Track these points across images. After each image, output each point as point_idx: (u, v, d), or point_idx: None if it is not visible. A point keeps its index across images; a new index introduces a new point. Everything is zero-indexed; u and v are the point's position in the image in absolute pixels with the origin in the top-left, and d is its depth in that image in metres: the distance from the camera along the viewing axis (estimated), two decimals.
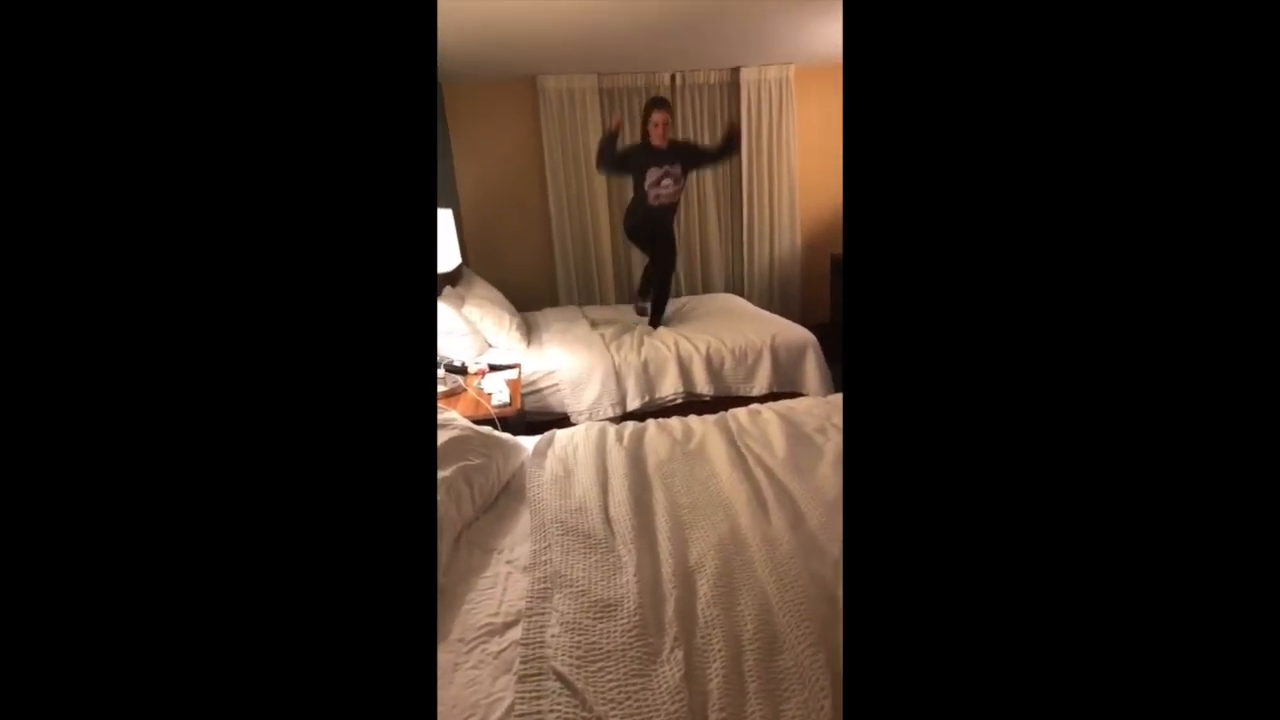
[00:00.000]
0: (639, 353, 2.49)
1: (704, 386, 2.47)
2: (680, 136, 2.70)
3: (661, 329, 2.79)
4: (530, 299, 3.61)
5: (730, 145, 2.87)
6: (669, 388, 2.45)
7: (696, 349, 2.51)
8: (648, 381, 2.45)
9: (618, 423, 1.77)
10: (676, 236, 3.04)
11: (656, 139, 2.63)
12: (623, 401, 2.42)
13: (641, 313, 2.97)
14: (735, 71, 3.55)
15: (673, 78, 3.53)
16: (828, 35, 2.97)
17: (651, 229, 2.80)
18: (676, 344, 2.54)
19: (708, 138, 3.65)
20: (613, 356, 2.47)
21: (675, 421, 1.77)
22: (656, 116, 2.61)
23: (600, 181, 3.55)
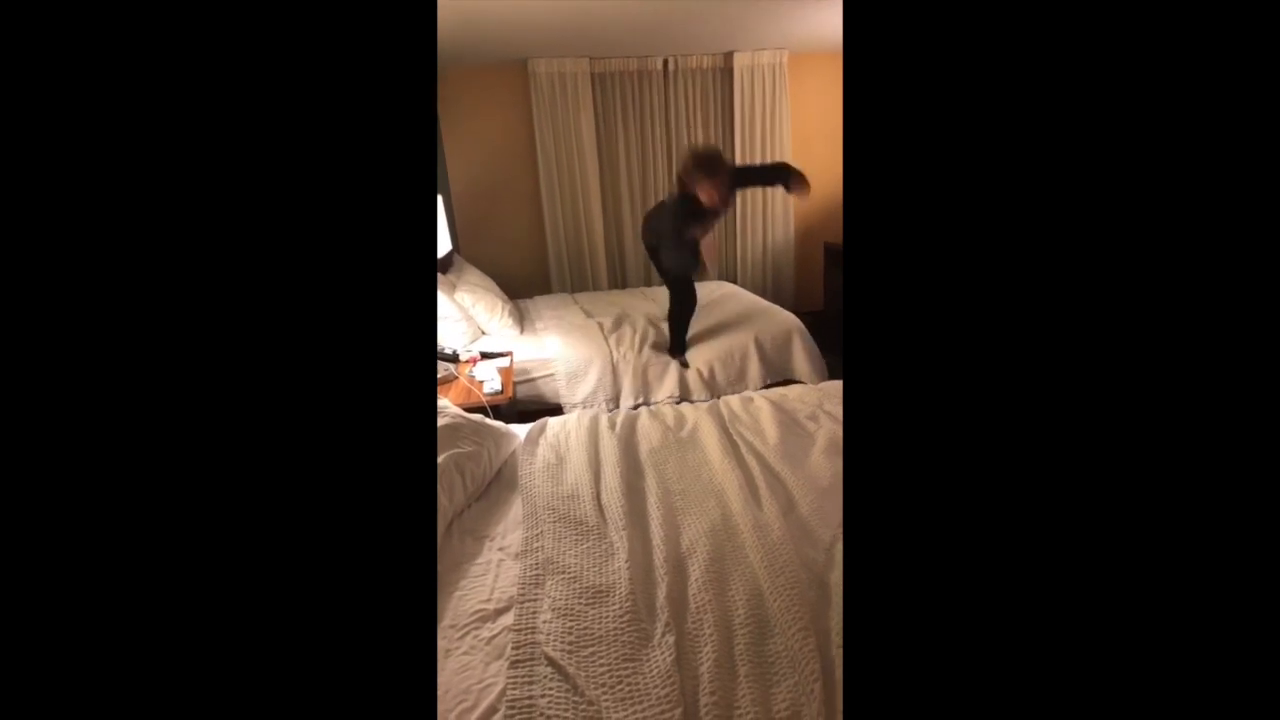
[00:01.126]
0: (639, 351, 2.47)
1: (700, 393, 2.45)
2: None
3: (660, 321, 2.73)
4: (522, 286, 3.59)
5: (782, 177, 2.27)
6: (664, 393, 2.44)
7: (693, 339, 2.49)
8: (645, 384, 2.43)
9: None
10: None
11: (709, 202, 2.16)
12: (617, 397, 2.41)
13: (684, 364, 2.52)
14: (729, 56, 3.52)
15: (665, 62, 3.49)
16: (821, 21, 2.94)
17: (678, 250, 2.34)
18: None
19: (700, 122, 3.62)
20: (611, 350, 2.45)
21: (667, 408, 1.77)
22: (707, 185, 2.08)
23: (593, 166, 3.52)
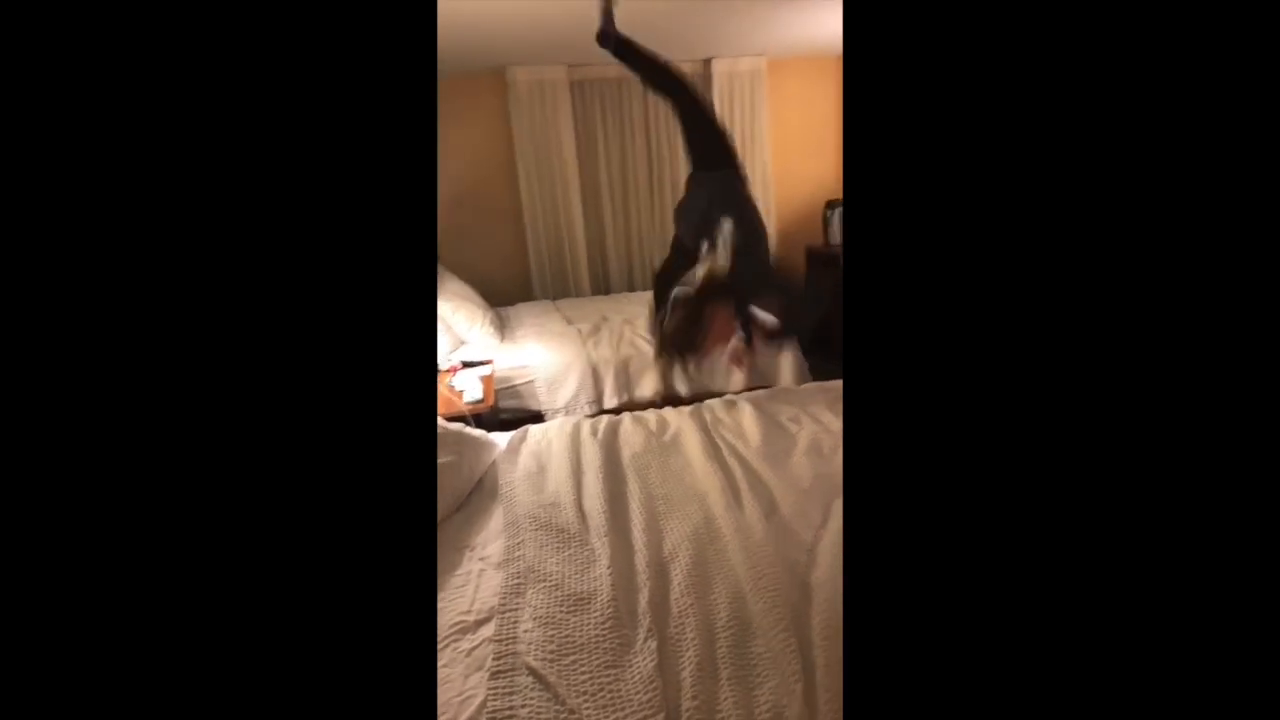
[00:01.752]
0: (617, 350, 2.47)
1: (682, 386, 2.45)
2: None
3: (640, 324, 2.73)
4: (503, 294, 3.57)
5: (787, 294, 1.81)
6: (648, 387, 2.43)
7: None
8: (627, 380, 2.43)
9: (593, 418, 1.76)
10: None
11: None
12: (599, 399, 2.40)
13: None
14: (707, 63, 3.55)
15: None
16: (799, 27, 2.98)
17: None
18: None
19: (680, 129, 3.63)
20: (590, 353, 2.45)
21: (650, 414, 1.77)
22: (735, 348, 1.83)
23: (573, 173, 3.53)
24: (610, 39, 2.10)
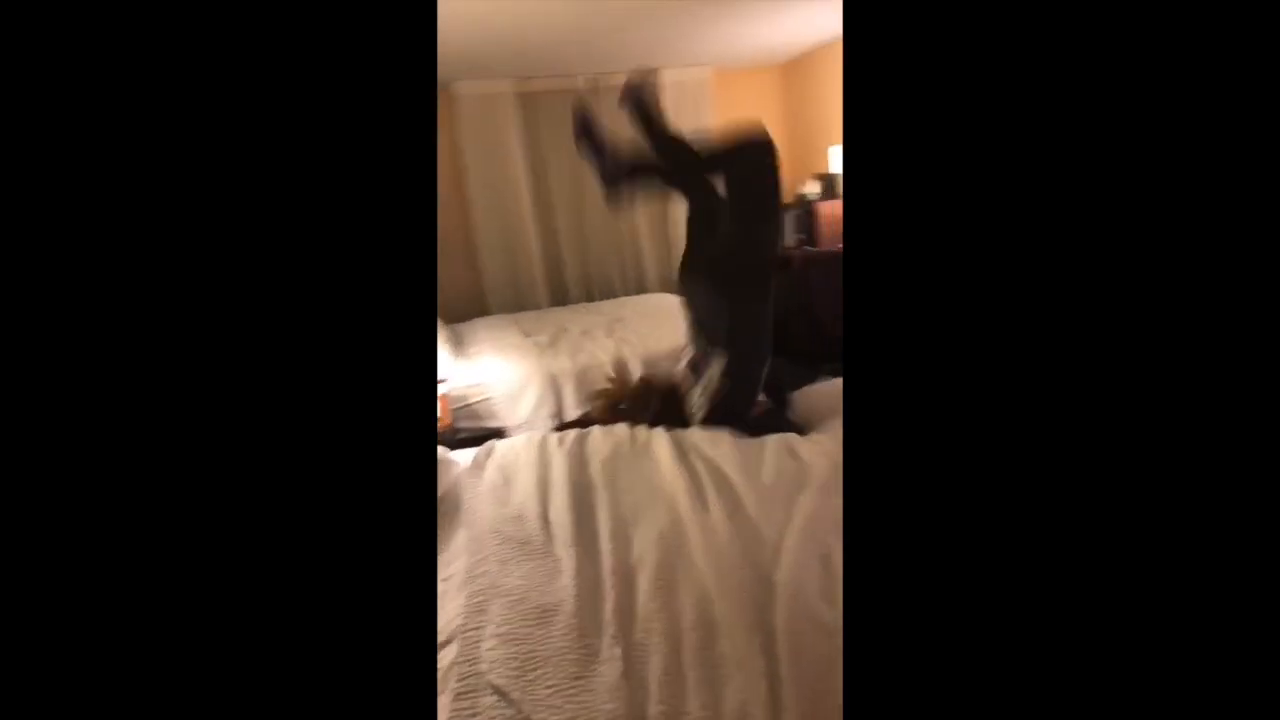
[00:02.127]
0: (575, 359, 2.45)
1: None
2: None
3: (599, 334, 2.74)
4: (457, 311, 3.52)
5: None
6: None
7: (635, 354, 2.49)
8: (588, 389, 2.41)
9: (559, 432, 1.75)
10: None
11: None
12: (560, 412, 2.38)
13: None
14: (654, 73, 3.59)
15: (591, 81, 3.53)
16: (746, 37, 3.05)
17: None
18: (618, 349, 2.52)
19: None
20: (548, 365, 2.43)
21: (621, 425, 1.76)
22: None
23: (524, 186, 3.52)
24: (622, 170, 1.69)
